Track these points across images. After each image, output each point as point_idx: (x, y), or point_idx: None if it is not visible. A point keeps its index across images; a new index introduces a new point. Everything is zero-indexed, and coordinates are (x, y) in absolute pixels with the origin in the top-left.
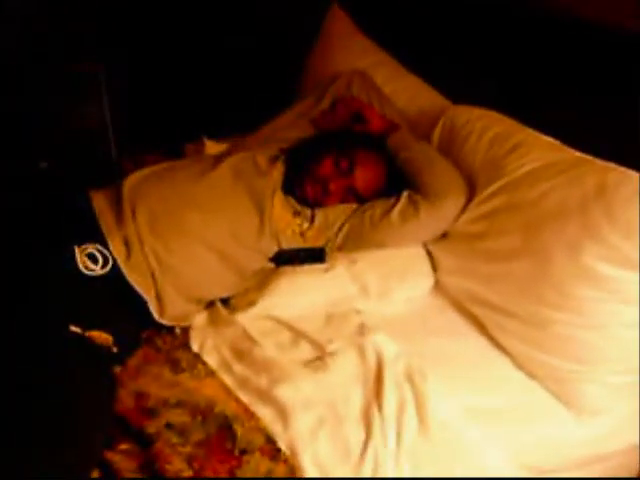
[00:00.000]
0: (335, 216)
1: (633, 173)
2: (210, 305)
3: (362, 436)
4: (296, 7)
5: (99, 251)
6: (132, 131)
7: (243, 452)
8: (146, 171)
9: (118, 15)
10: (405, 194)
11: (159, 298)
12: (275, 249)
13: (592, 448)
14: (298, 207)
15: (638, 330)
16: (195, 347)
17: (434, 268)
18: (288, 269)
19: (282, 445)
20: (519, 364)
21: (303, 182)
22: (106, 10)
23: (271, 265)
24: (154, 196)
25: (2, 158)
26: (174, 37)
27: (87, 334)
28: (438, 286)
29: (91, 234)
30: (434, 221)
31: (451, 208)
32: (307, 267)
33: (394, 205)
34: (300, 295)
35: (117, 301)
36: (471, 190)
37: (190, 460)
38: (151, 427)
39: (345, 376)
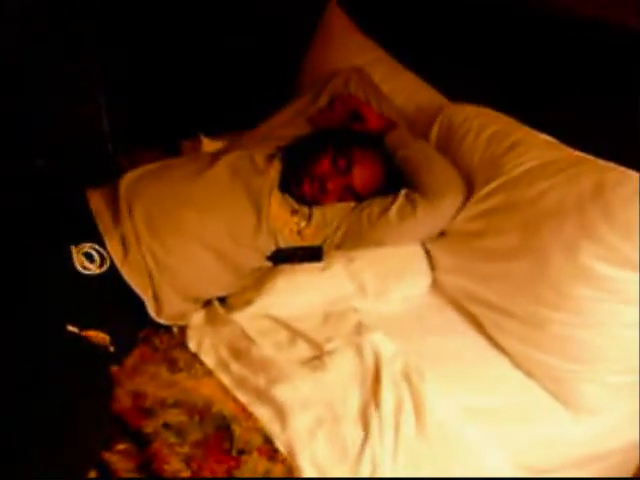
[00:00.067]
0: (333, 214)
1: (631, 173)
2: (207, 304)
3: (360, 436)
4: (296, 7)
5: (96, 250)
6: (129, 129)
7: (241, 452)
8: (142, 169)
9: (118, 15)
10: (403, 192)
11: (156, 297)
12: (272, 248)
13: (590, 447)
14: (295, 205)
15: (636, 330)
16: (192, 346)
17: (432, 267)
18: (285, 268)
19: (280, 445)
20: (517, 363)
21: (301, 180)
22: (106, 10)
23: (268, 264)
24: (151, 195)
25: None
26: (174, 37)
27: (84, 334)
28: (436, 285)
29: (88, 233)
30: (432, 219)
31: (449, 206)
32: (305, 266)
33: (392, 203)
34: (298, 294)
35: (114, 300)
36: (469, 188)
37: (188, 460)
38: (148, 427)
39: (343, 375)
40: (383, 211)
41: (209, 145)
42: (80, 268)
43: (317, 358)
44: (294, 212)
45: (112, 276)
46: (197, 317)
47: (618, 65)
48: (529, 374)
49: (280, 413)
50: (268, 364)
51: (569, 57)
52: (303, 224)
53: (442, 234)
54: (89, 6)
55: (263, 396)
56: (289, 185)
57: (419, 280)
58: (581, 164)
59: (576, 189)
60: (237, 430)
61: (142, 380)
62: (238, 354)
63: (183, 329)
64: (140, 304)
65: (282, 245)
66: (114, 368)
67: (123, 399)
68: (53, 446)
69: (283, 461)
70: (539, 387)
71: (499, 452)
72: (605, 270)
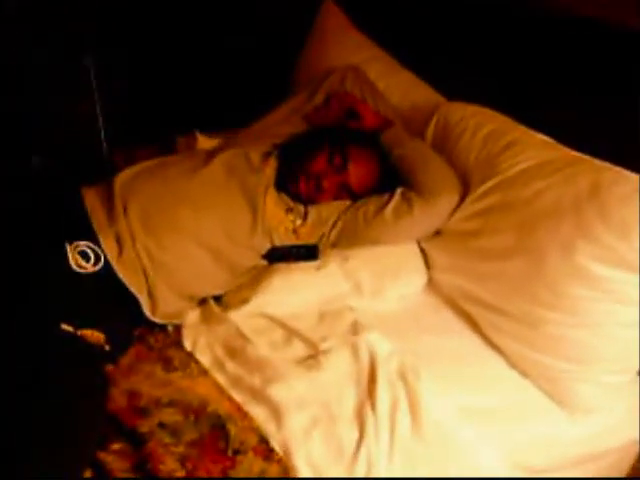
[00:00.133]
0: (328, 213)
1: (628, 173)
2: (202, 302)
3: (355, 435)
4: (296, 7)
5: (91, 248)
6: (126, 126)
7: (236, 452)
8: (137, 167)
9: (118, 15)
10: (399, 191)
11: (151, 295)
12: (268, 246)
13: (585, 447)
14: (291, 204)
15: (632, 330)
16: (188, 345)
17: (427, 265)
18: (281, 266)
19: (275, 445)
20: (512, 363)
21: (296, 179)
22: (106, 10)
23: (264, 262)
24: (146, 193)
25: None
26: (173, 36)
27: (79, 333)
28: (431, 284)
29: (83, 231)
30: (428, 218)
31: (445, 206)
32: (300, 264)
33: (388, 202)
34: (293, 293)
35: (109, 299)
36: (465, 188)
37: (183, 460)
38: (144, 426)
39: (338, 375)
40: (379, 210)
41: (204, 142)
42: (75, 266)
43: (312, 357)
44: (289, 210)
45: (107, 274)
46: (192, 316)
47: (618, 65)
48: (524, 374)
49: (275, 413)
50: (263, 363)
51: (569, 57)
52: (299, 222)
53: (438, 233)
54: (89, 6)
55: (258, 395)
56: (285, 183)
57: (415, 279)
58: (577, 164)
59: (572, 189)
60: (232, 430)
61: (137, 379)
62: (233, 353)
63: (178, 328)
64: (135, 303)
65: (277, 243)
66: (109, 367)
67: (118, 398)
68: (47, 445)
69: (279, 461)
70: (534, 387)
71: (494, 452)
72: (601, 270)
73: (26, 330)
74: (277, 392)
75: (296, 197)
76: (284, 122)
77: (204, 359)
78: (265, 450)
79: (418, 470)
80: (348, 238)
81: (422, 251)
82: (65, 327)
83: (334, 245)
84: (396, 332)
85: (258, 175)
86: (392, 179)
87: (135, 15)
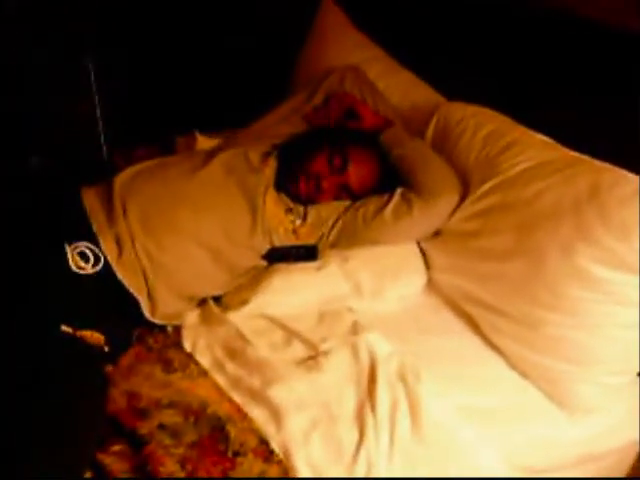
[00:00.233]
0: (328, 213)
1: (628, 174)
2: (202, 303)
3: (355, 436)
4: (296, 7)
5: (90, 249)
6: (124, 126)
7: (236, 454)
8: (137, 168)
9: (118, 15)
10: (398, 191)
11: (151, 296)
12: (267, 246)
13: (585, 448)
14: (291, 204)
15: (631, 331)
16: (187, 346)
17: (427, 266)
18: (281, 267)
19: (275, 446)
20: (512, 364)
21: (296, 179)
22: (106, 10)
23: (263, 263)
24: (145, 193)
25: None
26: (173, 36)
27: (79, 334)
28: (431, 284)
29: (82, 232)
30: (427, 219)
31: (445, 206)
32: (300, 265)
33: (387, 202)
34: (293, 293)
35: (109, 300)
36: (465, 188)
37: (183, 462)
38: (143, 428)
39: (338, 376)
40: (378, 210)
41: (204, 142)
42: (74, 267)
43: (312, 358)
44: (289, 211)
45: (106, 275)
46: (192, 316)
47: (618, 65)
48: (524, 374)
49: (275, 414)
50: (263, 365)
51: (569, 57)
52: (298, 223)
53: (437, 233)
54: (89, 6)
55: (258, 397)
56: (284, 183)
57: (415, 279)
58: (577, 165)
59: (572, 190)
60: (232, 431)
61: (137, 380)
62: (233, 354)
63: (178, 329)
64: (135, 304)
65: (277, 244)
66: (109, 368)
67: (118, 399)
68: (48, 446)
69: (278, 462)
70: (534, 387)
71: (494, 452)
72: (601, 272)
73: (26, 331)
74: (277, 393)
75: (296, 197)
76: (283, 122)
77: (204, 360)
78: (265, 451)
79: (418, 471)
80: (348, 238)
81: (422, 251)
82: (65, 328)
83: (333, 245)
84: (396, 333)
85: (258, 175)
86: (392, 179)
87: (135, 15)
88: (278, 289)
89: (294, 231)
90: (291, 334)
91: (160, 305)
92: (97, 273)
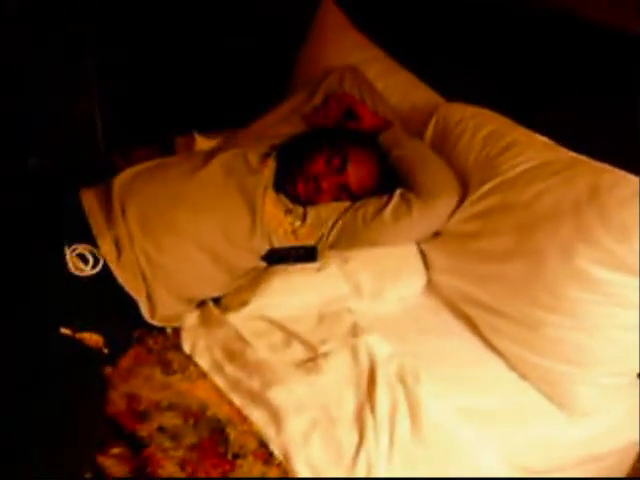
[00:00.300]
0: (327, 214)
1: (627, 175)
2: (201, 304)
3: (355, 439)
4: (296, 7)
5: (89, 251)
6: (123, 126)
7: (236, 456)
8: (136, 169)
9: (118, 15)
10: (398, 192)
11: (150, 298)
12: (267, 247)
13: (585, 449)
14: (290, 205)
15: (631, 333)
16: (187, 348)
17: (427, 267)
18: (280, 268)
19: (275, 449)
20: (512, 365)
21: (295, 180)
22: (106, 10)
23: (263, 264)
24: (144, 195)
25: None
26: (173, 36)
27: (78, 336)
28: (431, 285)
29: (81, 234)
30: (427, 220)
31: (444, 207)
32: (299, 266)
33: (387, 203)
34: (293, 295)
35: (108, 301)
36: (464, 189)
37: (183, 464)
38: (143, 430)
39: (338, 378)
40: (378, 211)
41: (203, 143)
42: (73, 269)
43: (312, 360)
44: (288, 212)
45: (105, 277)
46: (191, 318)
47: (618, 65)
48: (524, 376)
49: (275, 416)
50: (263, 366)
51: (569, 57)
52: (297, 224)
53: (437, 234)
54: (89, 6)
55: (258, 399)
56: (284, 184)
57: (414, 280)
58: (577, 166)
59: (572, 191)
60: (232, 434)
61: (136, 382)
62: (233, 356)
63: (177, 330)
64: (134, 305)
65: (276, 245)
66: (108, 370)
67: (117, 402)
68: (48, 449)
69: (278, 465)
70: (534, 389)
71: (494, 454)
72: (601, 273)
73: (25, 333)
74: (276, 395)
75: (295, 198)
76: (283, 122)
77: (203, 362)
78: (265, 454)
79: (418, 472)
80: (347, 239)
81: (421, 252)
82: (64, 330)
83: (333, 246)
84: (396, 334)
85: (257, 176)
86: (391, 180)
87: (135, 15)
88: (278, 290)
89: (293, 232)
90: (291, 335)
91: (159, 307)
92: (96, 275)
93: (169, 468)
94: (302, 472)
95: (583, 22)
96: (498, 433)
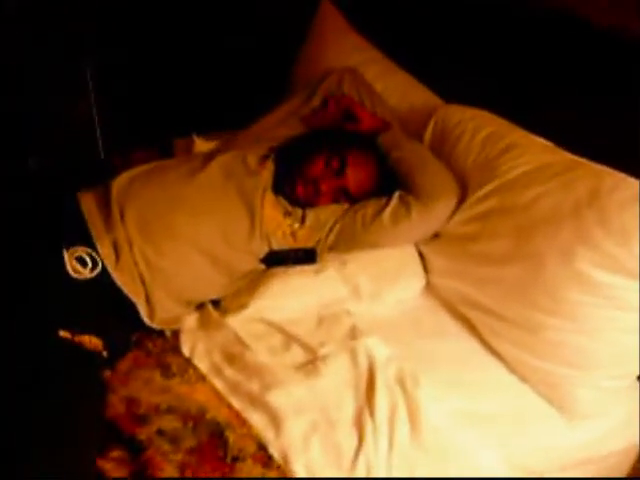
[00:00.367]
0: (326, 216)
1: (628, 178)
2: (200, 307)
3: (354, 442)
4: (296, 7)
5: (88, 254)
6: (122, 128)
7: (235, 459)
8: (135, 171)
9: (118, 15)
10: (397, 194)
11: (149, 301)
12: (266, 250)
13: (584, 452)
14: (289, 207)
15: (632, 335)
16: (186, 351)
17: (425, 269)
18: (279, 271)
19: (274, 452)
20: (512, 368)
21: (294, 182)
22: (106, 10)
23: (262, 266)
24: (143, 198)
25: None
26: (173, 37)
27: (77, 339)
28: (429, 287)
29: (80, 237)
30: (425, 222)
31: (443, 209)
32: (298, 269)
33: (386, 206)
34: (292, 297)
35: (107, 305)
36: (463, 191)
37: (182, 468)
38: (142, 434)
39: (337, 381)
40: (377, 213)
41: (202, 145)
42: (72, 272)
43: (311, 363)
44: (287, 214)
45: (104, 280)
46: (190, 321)
47: (618, 65)
48: (524, 379)
49: (274, 419)
50: (262, 369)
51: (569, 57)
52: (296, 226)
53: (436, 236)
54: (89, 6)
55: (257, 402)
56: (282, 187)
57: (413, 283)
58: (577, 168)
59: (572, 194)
60: (231, 437)
61: (135, 385)
62: (232, 359)
63: (176, 333)
64: (133, 308)
65: (275, 247)
66: (107, 373)
67: (117, 405)
68: (48, 452)
69: (278, 468)
70: (534, 392)
71: (494, 457)
72: (601, 276)
73: (24, 336)
74: (276, 398)
75: (294, 200)
76: (281, 124)
77: (202, 365)
78: (264, 457)
79: (417, 476)
80: (346, 242)
81: (420, 254)
82: (63, 333)
83: (332, 248)
84: (394, 336)
85: (255, 178)
86: (390, 182)
87: (135, 15)
88: (277, 293)
89: (292, 234)
90: (290, 338)
91: (158, 310)
92: (95, 278)
93: (168, 471)
94: (301, 475)
95: (583, 22)
96: (498, 436)
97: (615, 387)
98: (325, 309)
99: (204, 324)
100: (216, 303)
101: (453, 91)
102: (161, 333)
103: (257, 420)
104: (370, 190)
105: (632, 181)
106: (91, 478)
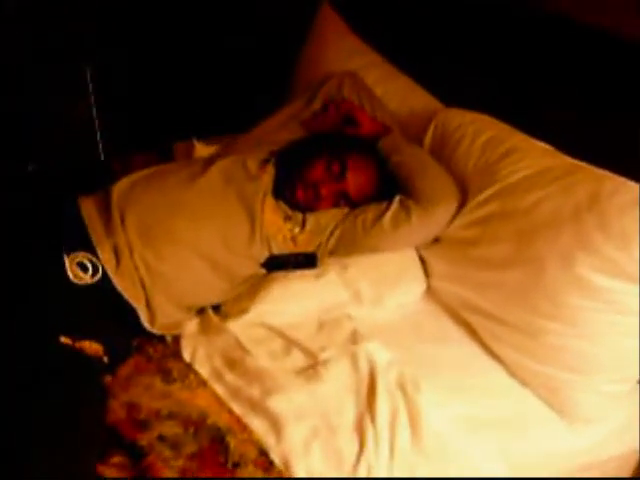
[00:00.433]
0: (327, 220)
1: (628, 182)
2: (201, 312)
3: (355, 447)
4: (296, 7)
5: (89, 260)
6: (122, 127)
7: (236, 465)
8: (135, 176)
9: (118, 15)
10: (397, 199)
11: (149, 306)
12: (266, 254)
13: (585, 456)
14: (289, 212)
15: (633, 340)
16: (186, 356)
17: (426, 273)
18: (280, 275)
19: (275, 458)
20: (512, 372)
21: (294, 186)
22: (106, 10)
23: (262, 271)
24: (143, 203)
25: None
26: (173, 37)
27: (77, 345)
28: (430, 291)
29: (80, 242)
30: (426, 227)
31: (443, 214)
32: (299, 273)
33: (386, 210)
34: (292, 302)
35: (107, 310)
36: (463, 195)
37: (183, 474)
38: (143, 439)
39: (338, 386)
40: (377, 218)
41: (202, 150)
42: (73, 278)
43: (312, 368)
44: (287, 218)
45: (105, 286)
46: (191, 326)
47: (618, 66)
48: (524, 383)
49: (275, 425)
50: (263, 374)
51: (569, 58)
52: (297, 230)
53: (437, 240)
54: (89, 6)
55: (258, 407)
56: (283, 191)
57: (414, 287)
58: (577, 172)
59: (572, 198)
60: (232, 442)
61: (136, 391)
62: (232, 364)
63: (177, 338)
64: (133, 314)
65: (276, 252)
66: (108, 378)
67: (117, 410)
68: (49, 458)
69: (279, 473)
70: (534, 396)
71: (495, 462)
72: (601, 281)
73: (25, 342)
74: (277, 404)
75: (294, 205)
76: (282, 128)
77: (203, 370)
78: (265, 463)
79: None
80: (346, 246)
81: (421, 259)
82: (63, 339)
83: (332, 253)
84: (395, 341)
85: (256, 183)
86: (390, 186)
87: (135, 16)
88: (277, 297)
89: (293, 239)
90: (290, 343)
91: (159, 315)
92: (96, 283)
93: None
94: None
95: (582, 25)
96: (499, 441)
97: (616, 391)
98: (326, 314)
99: (205, 329)
100: (216, 308)
101: (453, 91)
102: (162, 338)
103: (258, 425)
104: (370, 194)
105: (632, 185)
106: None
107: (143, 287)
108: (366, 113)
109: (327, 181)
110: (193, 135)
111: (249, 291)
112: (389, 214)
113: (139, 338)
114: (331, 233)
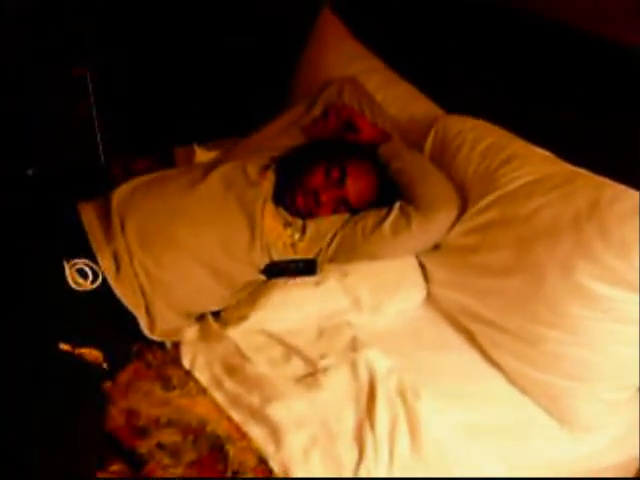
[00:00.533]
0: (327, 227)
1: (628, 189)
2: (201, 318)
3: (355, 455)
4: (296, 7)
5: (88, 266)
6: (123, 128)
7: (235, 473)
8: (135, 182)
9: (118, 15)
10: (397, 205)
11: (149, 313)
12: (266, 261)
13: (585, 464)
14: (289, 218)
15: (633, 348)
16: (186, 363)
17: (426, 280)
18: (280, 282)
19: (275, 466)
20: (512, 380)
21: (294, 193)
22: (106, 10)
23: (262, 277)
24: (143, 209)
25: None
26: (173, 37)
27: (77, 351)
28: (430, 298)
29: (80, 249)
30: (426, 234)
31: (443, 221)
32: (299, 280)
33: (386, 217)
34: (292, 309)
35: (107, 317)
36: (463, 202)
37: None
38: (142, 447)
39: (337, 393)
40: (377, 224)
41: (202, 155)
42: (73, 284)
43: (311, 375)
44: (287, 225)
45: (105, 292)
46: (190, 332)
47: (618, 66)
48: (524, 391)
49: (274, 433)
50: (262, 382)
51: (569, 59)
52: (297, 237)
53: (437, 247)
54: (89, 6)
55: (257, 415)
56: (283, 197)
57: (414, 294)
58: (577, 180)
59: (572, 206)
60: (231, 450)
61: (135, 398)
62: (232, 371)
63: (177, 345)
64: (133, 320)
65: (276, 258)
66: (107, 385)
67: (117, 417)
68: (48, 465)
69: None
70: (534, 404)
71: (495, 469)
72: (601, 289)
73: (24, 348)
74: (276, 411)
75: (294, 211)
76: (282, 134)
77: (202, 377)
78: (264, 471)
79: None
80: (346, 253)
81: (421, 265)
82: (63, 345)
83: (332, 260)
84: (395, 348)
85: (256, 189)
86: (390, 192)
87: (135, 16)
88: (277, 304)
89: (292, 245)
90: (290, 350)
91: (159, 321)
92: (95, 290)
93: None
94: None
95: (582, 29)
96: (499, 449)
97: (616, 399)
98: (326, 320)
99: (204, 336)
100: (216, 314)
101: (452, 94)
102: (161, 345)
103: (257, 433)
104: (370, 201)
105: (632, 193)
106: None
107: (143, 294)
108: (366, 119)
109: (327, 187)
110: (193, 135)
111: (249, 298)
112: (389, 221)
113: (139, 345)
114: (331, 239)
